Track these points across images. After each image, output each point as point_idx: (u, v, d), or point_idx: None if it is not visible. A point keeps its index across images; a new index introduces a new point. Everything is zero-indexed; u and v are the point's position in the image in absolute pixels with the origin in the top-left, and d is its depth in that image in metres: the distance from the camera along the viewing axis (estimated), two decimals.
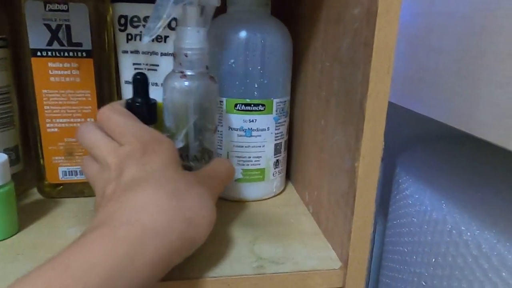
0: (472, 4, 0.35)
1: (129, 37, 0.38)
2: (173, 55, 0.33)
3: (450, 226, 0.37)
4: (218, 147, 0.39)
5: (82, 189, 0.40)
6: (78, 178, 0.39)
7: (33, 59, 0.35)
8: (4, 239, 0.32)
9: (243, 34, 0.37)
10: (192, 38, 0.32)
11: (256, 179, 0.40)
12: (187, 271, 0.29)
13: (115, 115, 0.30)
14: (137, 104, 0.33)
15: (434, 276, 0.40)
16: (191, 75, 0.32)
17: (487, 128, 0.33)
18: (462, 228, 0.36)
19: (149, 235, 0.24)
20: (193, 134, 0.33)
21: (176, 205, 0.26)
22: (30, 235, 0.33)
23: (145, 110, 0.33)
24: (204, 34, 0.32)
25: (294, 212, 0.39)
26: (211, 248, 0.31)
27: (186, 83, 0.32)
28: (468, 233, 0.35)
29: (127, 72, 0.39)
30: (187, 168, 0.34)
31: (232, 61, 0.38)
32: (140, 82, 0.33)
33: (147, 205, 0.25)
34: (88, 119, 0.38)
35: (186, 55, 0.32)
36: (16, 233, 0.33)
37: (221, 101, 0.38)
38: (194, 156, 0.34)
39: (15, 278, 0.20)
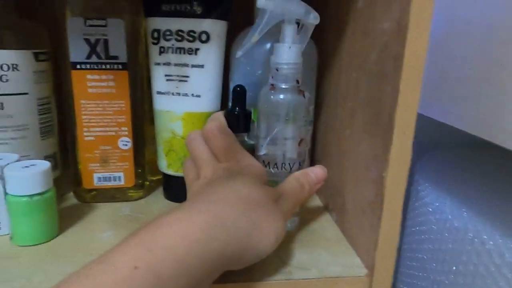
0: (496, 12, 0.36)
1: (162, 49, 0.40)
2: (269, 69, 0.35)
3: (471, 235, 0.38)
4: None
5: (114, 194, 0.42)
6: (112, 184, 0.41)
7: (73, 72, 0.38)
8: (45, 242, 0.34)
9: (269, 45, 0.39)
10: (283, 54, 0.34)
11: None
12: None
13: (222, 135, 0.34)
14: (235, 113, 0.37)
15: (455, 284, 0.40)
16: (281, 88, 0.34)
17: (510, 136, 0.34)
18: (484, 236, 0.37)
19: (218, 224, 0.25)
20: (280, 145, 0.35)
21: (246, 208, 0.28)
22: (69, 239, 0.35)
23: (241, 119, 0.37)
24: (296, 50, 0.34)
25: (318, 219, 0.40)
26: None
27: (276, 95, 0.35)
28: (491, 242, 0.36)
29: (159, 83, 0.40)
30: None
31: (259, 72, 0.39)
32: (239, 94, 0.36)
33: (219, 200, 0.28)
34: (123, 128, 0.40)
35: (277, 69, 0.34)
36: (56, 236, 0.35)
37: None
38: (275, 164, 0.36)
39: (57, 279, 0.21)
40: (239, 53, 0.34)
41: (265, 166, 0.37)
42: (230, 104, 0.42)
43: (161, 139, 0.42)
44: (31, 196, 0.32)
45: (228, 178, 0.31)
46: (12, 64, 0.35)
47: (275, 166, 0.36)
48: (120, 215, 0.40)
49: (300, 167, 0.37)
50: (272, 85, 0.35)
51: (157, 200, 0.44)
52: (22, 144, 0.37)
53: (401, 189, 0.27)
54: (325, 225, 0.39)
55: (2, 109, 0.35)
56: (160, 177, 0.48)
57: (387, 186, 0.27)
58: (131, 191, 0.43)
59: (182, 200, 0.42)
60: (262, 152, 0.36)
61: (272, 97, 0.35)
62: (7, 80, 0.35)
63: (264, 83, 0.39)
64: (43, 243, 0.34)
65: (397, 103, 0.26)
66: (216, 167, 0.32)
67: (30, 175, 0.32)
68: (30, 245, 0.33)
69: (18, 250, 0.33)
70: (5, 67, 0.35)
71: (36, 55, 0.37)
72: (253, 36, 0.33)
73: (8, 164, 0.33)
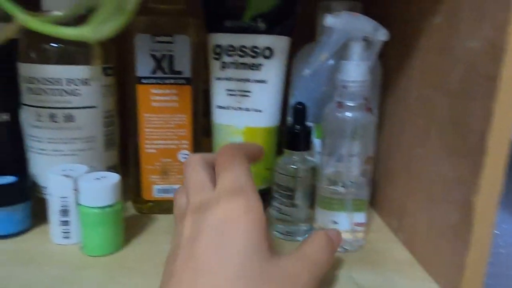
0: None
1: (224, 65, 0.40)
2: (334, 86, 0.35)
3: None
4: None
5: (171, 207, 0.43)
6: (171, 196, 0.42)
7: (138, 86, 0.38)
8: (113, 253, 0.35)
9: (333, 62, 0.38)
10: (351, 71, 0.33)
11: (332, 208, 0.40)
12: None
13: (241, 166, 0.28)
14: (296, 130, 0.36)
15: None
16: (348, 105, 0.34)
17: None
18: None
19: None
20: (346, 162, 0.35)
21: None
22: (135, 250, 0.35)
23: (302, 136, 0.37)
24: (364, 68, 0.33)
25: (382, 238, 0.39)
26: None
27: (344, 113, 0.34)
28: None
29: (220, 97, 0.41)
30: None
31: (323, 88, 0.39)
32: (300, 111, 0.36)
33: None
34: (183, 141, 0.40)
35: (344, 87, 0.34)
36: (122, 247, 0.36)
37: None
38: (343, 183, 0.35)
39: None
40: (306, 72, 0.34)
41: (331, 184, 0.36)
42: (289, 120, 0.42)
43: None
44: (103, 207, 0.33)
45: (218, 241, 0.24)
46: (84, 79, 0.36)
47: (342, 185, 0.35)
48: None
49: (365, 186, 0.36)
50: (339, 102, 0.35)
51: None
52: (89, 156, 0.38)
53: (492, 214, 0.26)
54: (392, 245, 0.38)
55: (73, 121, 0.36)
56: None
57: (477, 211, 0.26)
58: None
59: None
60: (329, 169, 0.36)
61: (338, 114, 0.35)
62: (79, 94, 0.36)
63: (329, 100, 0.38)
64: (112, 253, 0.35)
65: (489, 125, 0.24)
66: (207, 198, 0.26)
67: (104, 187, 0.33)
68: (100, 256, 0.34)
69: (89, 260, 0.34)
70: (77, 82, 0.36)
71: (105, 70, 0.38)
72: (322, 55, 0.33)
73: (80, 175, 0.34)
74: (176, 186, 0.42)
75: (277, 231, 0.39)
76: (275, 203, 0.39)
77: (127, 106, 0.41)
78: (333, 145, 0.35)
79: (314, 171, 0.38)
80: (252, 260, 0.23)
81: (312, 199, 0.38)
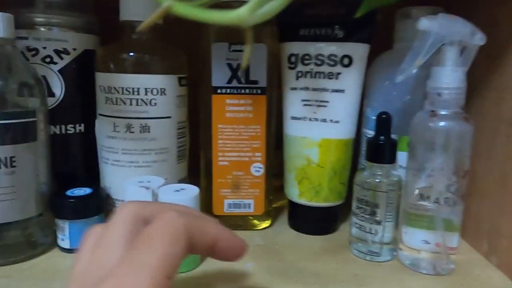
0: None
1: (299, 74, 0.38)
2: (425, 94, 0.33)
3: None
4: None
5: (237, 222, 0.41)
6: (241, 211, 0.40)
7: (213, 96, 0.37)
8: (191, 270, 0.33)
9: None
10: (446, 78, 0.31)
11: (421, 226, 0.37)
12: None
13: (170, 248, 0.20)
14: (380, 142, 0.34)
15: None
16: (443, 114, 0.32)
17: None
18: None
19: None
20: (438, 176, 0.32)
21: None
22: (211, 268, 0.34)
23: (387, 149, 0.34)
24: (460, 74, 0.31)
25: (472, 262, 0.36)
26: None
27: (438, 122, 0.32)
28: None
29: (294, 108, 0.39)
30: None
31: (407, 97, 0.36)
32: (385, 121, 0.34)
33: None
34: (256, 154, 0.39)
35: (439, 95, 0.31)
36: (199, 264, 0.34)
37: None
38: (436, 199, 0.33)
39: None
40: (399, 78, 0.32)
41: (422, 200, 0.33)
42: (364, 132, 0.39)
43: (292, 166, 0.40)
44: None
45: None
46: (161, 89, 0.35)
47: (436, 201, 0.32)
48: (253, 244, 0.38)
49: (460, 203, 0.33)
50: (432, 111, 0.32)
51: (282, 229, 0.42)
52: (162, 167, 0.37)
53: None
54: (485, 269, 0.34)
55: (149, 132, 0.36)
56: (278, 205, 0.46)
57: None
58: (257, 220, 0.41)
59: (309, 231, 0.41)
60: (421, 184, 0.33)
61: (431, 124, 0.32)
62: (155, 104, 0.35)
63: (413, 110, 0.36)
64: (190, 270, 0.33)
65: None
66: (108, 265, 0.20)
67: (186, 199, 0.31)
68: (179, 273, 0.32)
69: None
70: (154, 92, 0.35)
71: (179, 80, 0.37)
72: (417, 60, 0.31)
73: (159, 187, 0.32)
74: (248, 201, 0.40)
75: (356, 250, 0.36)
76: (355, 220, 0.36)
77: (197, 117, 0.40)
78: (424, 157, 0.33)
79: (399, 185, 0.35)
80: None
81: (397, 216, 0.35)
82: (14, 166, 0.30)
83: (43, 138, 0.33)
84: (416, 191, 0.34)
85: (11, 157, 0.30)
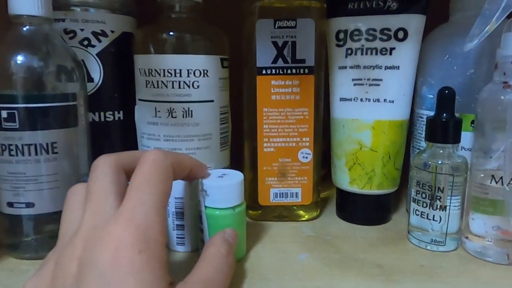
0: None
1: (349, 51, 0.36)
2: (495, 64, 0.30)
3: None
4: None
5: (282, 213, 0.38)
6: (288, 200, 0.38)
7: (258, 77, 0.35)
8: (238, 260, 0.31)
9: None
10: None
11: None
12: None
13: (155, 188, 0.22)
14: (443, 120, 0.31)
15: None
16: None
17: None
18: None
19: None
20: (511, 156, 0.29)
21: None
22: (262, 258, 0.31)
23: (451, 127, 0.31)
24: None
25: None
26: None
27: (511, 94, 0.29)
28: None
29: (344, 88, 0.36)
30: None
31: (471, 71, 0.33)
32: (448, 97, 0.31)
33: None
34: (304, 139, 0.36)
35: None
36: (245, 255, 0.32)
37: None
38: (510, 180, 0.30)
39: None
40: (469, 46, 0.29)
41: (494, 182, 0.30)
42: (422, 112, 0.37)
43: (342, 152, 0.37)
44: (233, 208, 0.29)
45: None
46: (204, 70, 0.33)
47: (510, 182, 0.29)
48: (303, 235, 0.35)
49: None
50: (505, 82, 0.29)
51: (330, 220, 0.39)
52: (206, 155, 0.35)
53: None
54: None
55: (191, 116, 0.33)
56: (323, 195, 0.44)
57: None
58: (303, 210, 0.38)
59: (361, 221, 0.38)
60: (491, 165, 0.30)
61: (503, 97, 0.29)
62: (198, 87, 0.33)
63: (478, 84, 0.33)
64: (237, 261, 0.31)
65: None
66: (102, 220, 0.21)
67: (232, 185, 0.29)
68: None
69: None
70: (197, 73, 0.33)
71: (222, 61, 0.35)
72: (489, 25, 0.28)
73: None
74: (295, 190, 0.37)
75: (417, 239, 0.33)
76: (415, 206, 0.33)
77: (238, 103, 0.38)
78: (495, 135, 0.30)
79: (465, 167, 0.32)
80: None
81: (463, 202, 0.32)
82: (56, 153, 0.28)
83: (84, 124, 0.31)
84: (484, 174, 0.31)
85: (52, 143, 0.28)
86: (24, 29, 0.28)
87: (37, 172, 0.28)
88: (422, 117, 0.37)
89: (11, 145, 0.27)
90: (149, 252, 0.20)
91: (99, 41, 0.35)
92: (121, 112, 0.37)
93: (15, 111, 0.27)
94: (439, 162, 0.32)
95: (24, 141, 0.27)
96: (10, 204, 0.28)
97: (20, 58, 0.27)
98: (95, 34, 0.35)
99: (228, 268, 0.25)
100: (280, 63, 0.35)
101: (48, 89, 0.28)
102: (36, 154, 0.28)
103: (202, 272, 0.23)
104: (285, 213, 0.39)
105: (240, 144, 0.39)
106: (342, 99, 0.37)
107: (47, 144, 0.28)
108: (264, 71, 0.35)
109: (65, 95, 0.29)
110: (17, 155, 0.27)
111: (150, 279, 0.19)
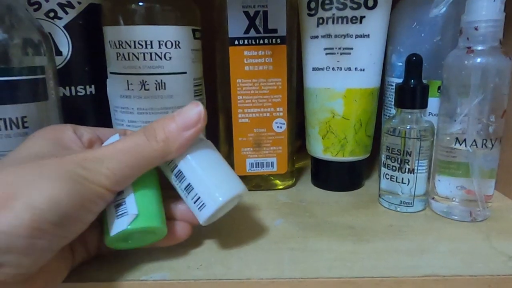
0: None
1: (320, 21, 0.36)
2: (460, 30, 0.31)
3: None
4: None
5: (259, 183, 0.39)
6: (264, 170, 0.38)
7: (231, 48, 0.35)
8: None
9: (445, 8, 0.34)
10: (485, 9, 0.29)
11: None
12: (433, 266, 0.26)
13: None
14: (411, 86, 0.32)
15: None
16: (481, 50, 0.30)
17: None
18: None
19: None
20: (475, 117, 0.30)
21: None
22: (240, 225, 0.32)
23: (419, 93, 0.32)
24: (499, 4, 0.29)
25: (509, 208, 0.34)
26: (449, 244, 0.29)
27: (474, 59, 0.30)
28: None
29: (316, 58, 0.37)
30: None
31: (437, 38, 0.34)
32: (415, 64, 0.32)
33: None
34: (278, 109, 0.37)
35: (476, 29, 0.29)
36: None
37: None
38: (473, 141, 0.31)
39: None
40: (434, 12, 0.29)
41: (456, 146, 0.32)
42: (392, 80, 0.37)
43: (316, 121, 0.38)
44: None
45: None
46: (175, 41, 0.33)
47: (474, 143, 0.31)
48: (279, 202, 0.36)
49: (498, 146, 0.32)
50: (468, 47, 0.30)
51: (305, 188, 0.40)
52: None
53: None
54: None
55: (165, 89, 0.33)
56: (298, 165, 0.45)
57: None
58: (279, 179, 0.39)
59: (335, 188, 0.39)
60: (455, 128, 0.31)
61: (467, 62, 0.30)
62: (170, 58, 0.33)
63: (444, 51, 0.34)
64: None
65: None
66: None
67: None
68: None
69: None
70: (168, 44, 0.33)
71: (194, 33, 0.35)
72: None
73: None
74: (270, 159, 0.38)
75: (387, 202, 0.35)
76: (385, 171, 0.35)
77: (211, 76, 0.38)
78: (459, 99, 0.31)
79: (432, 132, 0.33)
80: None
81: (430, 165, 0.34)
82: (26, 127, 0.28)
83: (54, 98, 0.30)
84: (450, 137, 0.32)
85: (22, 117, 0.28)
86: None
87: (8, 147, 0.27)
88: (392, 85, 0.38)
89: None
90: None
91: (66, 12, 0.34)
92: (92, 86, 0.37)
93: None
94: (408, 127, 0.33)
95: None
96: None
97: None
98: (61, 5, 0.34)
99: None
100: (252, 33, 0.35)
101: (15, 63, 0.27)
102: (6, 128, 0.27)
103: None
104: (262, 183, 0.39)
105: (214, 117, 0.39)
106: (314, 69, 0.37)
107: (17, 118, 0.27)
108: (236, 42, 0.35)
109: (33, 68, 0.28)
110: None
111: None
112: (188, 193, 0.25)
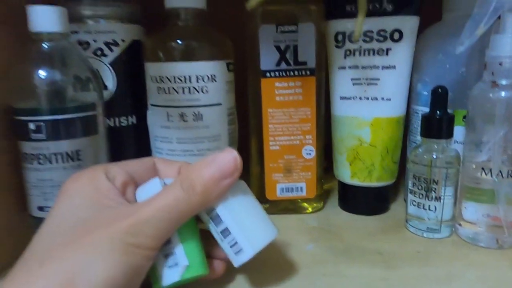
0: None
1: (347, 53, 0.38)
2: (484, 65, 0.32)
3: None
4: None
5: (288, 206, 0.41)
6: (294, 195, 0.40)
7: (262, 80, 0.37)
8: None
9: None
10: (509, 45, 0.30)
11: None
12: None
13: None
14: (437, 117, 0.33)
15: None
16: (505, 84, 0.31)
17: None
18: None
19: None
20: (500, 148, 0.32)
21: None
22: (273, 249, 0.34)
23: (445, 123, 0.34)
24: None
25: None
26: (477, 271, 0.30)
27: (499, 93, 0.31)
28: None
29: (344, 88, 0.38)
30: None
31: (462, 70, 0.35)
32: (441, 95, 0.33)
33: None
34: (307, 136, 0.38)
35: (500, 64, 0.31)
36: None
37: None
38: (499, 172, 0.32)
39: None
40: (459, 49, 0.31)
41: (483, 174, 0.33)
42: (414, 109, 0.39)
43: (343, 147, 0.40)
44: None
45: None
46: (211, 75, 0.35)
47: (500, 174, 0.32)
48: (309, 227, 0.38)
49: None
50: (494, 82, 0.31)
51: (333, 211, 0.42)
52: None
53: None
54: None
55: (202, 120, 0.36)
56: (326, 187, 0.46)
57: None
58: (308, 203, 0.41)
59: (362, 212, 0.41)
60: (481, 158, 0.32)
61: (492, 95, 0.31)
62: (206, 91, 0.35)
63: (469, 81, 0.35)
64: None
65: None
66: None
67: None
68: None
69: None
70: (205, 78, 0.35)
71: (228, 65, 0.37)
72: (479, 29, 0.30)
73: None
74: (300, 184, 0.40)
75: (414, 227, 0.36)
76: (412, 197, 0.36)
77: (243, 103, 0.40)
78: (484, 130, 0.32)
79: (457, 160, 0.34)
80: None
81: (456, 192, 0.35)
82: (80, 160, 0.31)
83: (103, 130, 0.33)
84: (476, 165, 0.33)
85: (77, 151, 0.30)
86: (44, 45, 0.30)
87: (64, 178, 0.30)
88: (418, 113, 0.39)
89: (40, 154, 0.30)
90: None
91: (111, 50, 0.37)
92: (134, 116, 0.39)
93: (42, 123, 0.29)
94: (434, 156, 0.34)
95: (51, 151, 0.30)
96: (40, 208, 0.31)
97: (43, 73, 0.30)
98: (107, 44, 0.36)
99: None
100: (283, 66, 0.37)
101: (70, 101, 0.30)
102: (63, 161, 0.30)
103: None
104: (291, 206, 0.41)
105: (246, 140, 0.41)
106: (342, 98, 0.39)
107: (72, 152, 0.30)
108: (268, 74, 0.37)
109: (85, 106, 0.31)
110: (45, 163, 0.30)
111: None
112: (225, 237, 0.26)
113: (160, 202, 0.23)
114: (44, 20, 0.29)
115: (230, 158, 0.25)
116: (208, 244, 0.28)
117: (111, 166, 0.26)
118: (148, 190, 0.25)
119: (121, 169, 0.26)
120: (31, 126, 0.29)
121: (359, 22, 0.32)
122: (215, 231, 0.26)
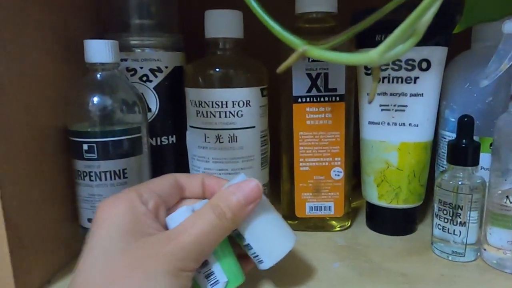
0: None
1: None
2: (510, 96, 0.33)
3: None
4: None
5: (316, 223, 0.43)
6: (322, 213, 0.42)
7: (294, 105, 0.39)
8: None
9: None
10: None
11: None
12: None
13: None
14: (463, 146, 0.35)
15: None
16: None
17: None
18: None
19: None
20: None
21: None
22: (299, 267, 0.36)
23: (470, 152, 0.35)
24: None
25: None
26: None
27: None
28: None
29: (372, 113, 0.40)
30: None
31: (489, 99, 0.36)
32: (467, 124, 0.34)
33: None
34: (336, 158, 0.40)
35: None
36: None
37: None
38: None
39: None
40: (484, 83, 0.32)
41: (509, 202, 0.33)
42: (442, 134, 0.40)
43: (371, 170, 0.41)
44: None
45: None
46: (247, 101, 0.38)
47: None
48: (336, 245, 0.40)
49: None
50: None
51: (361, 230, 0.43)
52: (249, 174, 0.39)
53: None
54: None
55: (236, 141, 0.38)
56: (354, 205, 0.47)
57: None
58: (336, 221, 0.42)
59: (388, 232, 0.42)
60: (506, 187, 0.33)
61: None
62: (241, 116, 0.38)
63: (496, 111, 0.36)
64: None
65: None
66: None
67: None
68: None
69: None
70: (241, 104, 0.38)
71: (262, 91, 0.39)
72: (503, 65, 0.31)
73: None
74: (328, 204, 0.42)
75: (439, 250, 0.37)
76: (437, 221, 0.37)
77: (276, 123, 0.42)
78: (510, 159, 0.33)
79: (483, 187, 0.35)
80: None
81: (481, 217, 0.36)
82: (126, 177, 0.34)
83: (146, 150, 0.36)
84: (501, 192, 0.34)
85: (123, 169, 0.34)
86: (98, 74, 0.34)
87: (111, 194, 0.33)
88: (445, 138, 0.40)
89: (91, 172, 0.33)
90: None
91: (156, 76, 0.40)
92: (174, 136, 0.42)
93: (94, 144, 0.32)
94: (460, 183, 0.35)
95: (101, 169, 0.33)
96: (90, 220, 0.34)
97: (96, 100, 0.33)
98: (152, 70, 0.40)
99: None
100: (314, 92, 0.39)
101: (119, 124, 0.34)
102: (111, 179, 0.33)
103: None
104: (319, 224, 0.43)
105: (278, 160, 0.43)
106: (370, 123, 0.41)
107: (119, 171, 0.33)
108: (299, 100, 0.39)
109: (132, 129, 0.34)
110: (95, 180, 0.33)
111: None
112: (248, 250, 0.30)
113: (198, 227, 0.26)
114: (98, 52, 0.33)
115: (253, 185, 0.28)
116: (238, 249, 0.30)
117: (142, 189, 0.28)
118: (179, 217, 0.27)
119: (152, 191, 0.28)
120: (85, 146, 0.33)
121: (374, 87, 0.35)
122: (240, 244, 0.30)
